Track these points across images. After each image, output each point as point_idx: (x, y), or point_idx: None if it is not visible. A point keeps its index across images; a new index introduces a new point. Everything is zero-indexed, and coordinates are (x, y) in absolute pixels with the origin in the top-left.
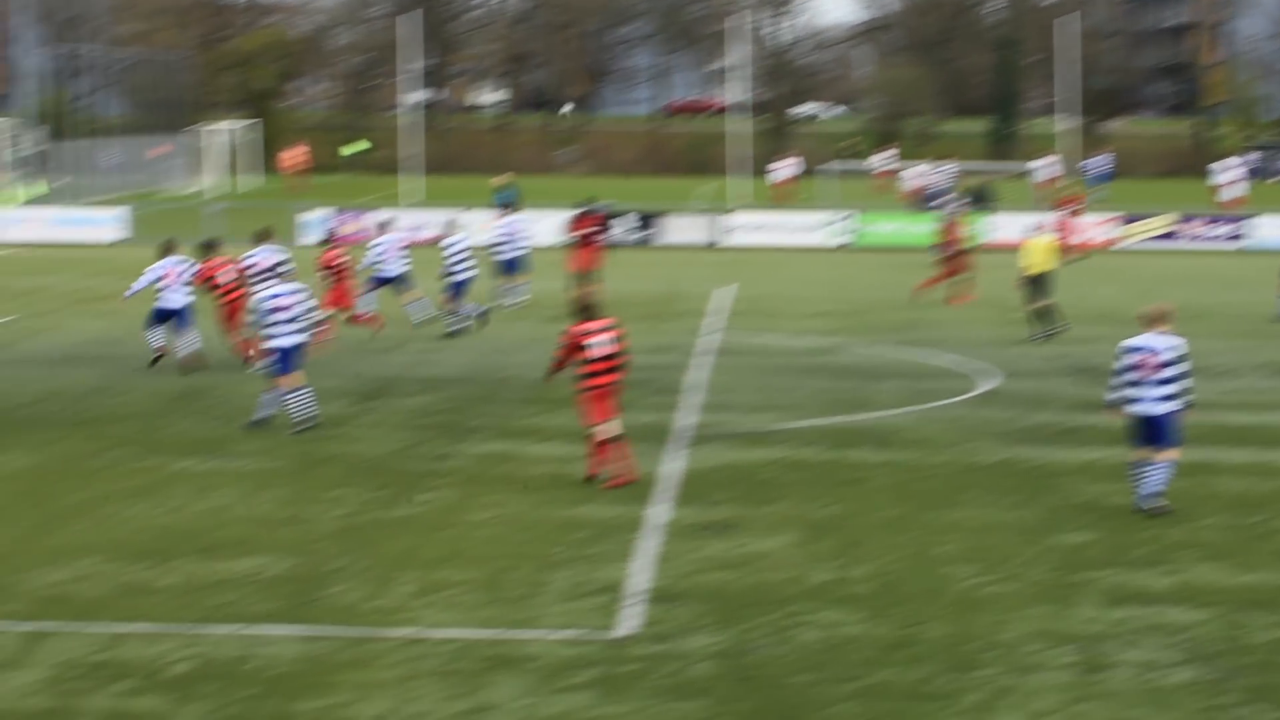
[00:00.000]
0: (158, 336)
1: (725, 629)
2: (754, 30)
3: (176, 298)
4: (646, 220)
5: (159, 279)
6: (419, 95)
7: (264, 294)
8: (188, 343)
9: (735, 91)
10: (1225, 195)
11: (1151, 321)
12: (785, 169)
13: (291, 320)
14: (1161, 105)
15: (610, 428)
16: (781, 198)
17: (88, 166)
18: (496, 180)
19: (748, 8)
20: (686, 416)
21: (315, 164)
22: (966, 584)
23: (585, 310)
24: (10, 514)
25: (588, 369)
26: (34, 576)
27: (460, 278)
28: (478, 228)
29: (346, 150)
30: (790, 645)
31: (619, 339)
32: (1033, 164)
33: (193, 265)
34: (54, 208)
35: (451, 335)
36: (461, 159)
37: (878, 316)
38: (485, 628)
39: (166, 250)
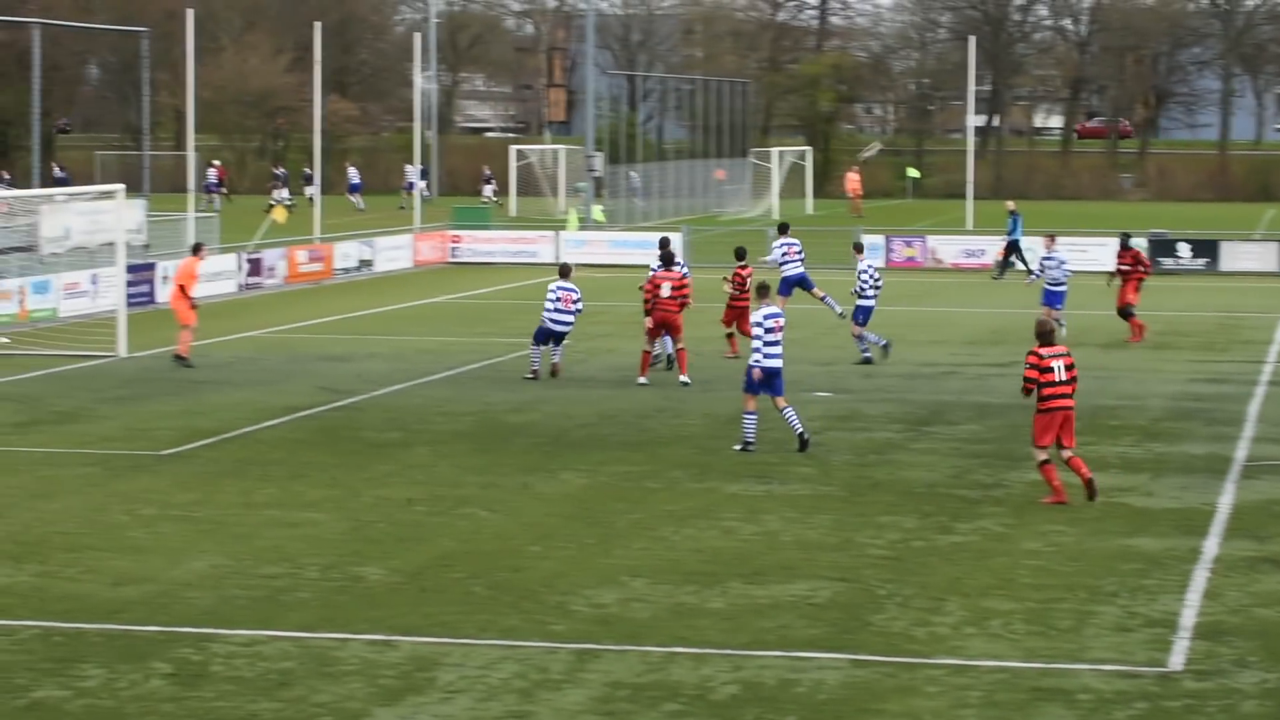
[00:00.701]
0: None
1: (1277, 666)
2: None
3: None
4: (1206, 247)
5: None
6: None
7: (763, 312)
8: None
9: None
10: None
11: None
12: None
13: (778, 343)
14: None
15: (1045, 454)
16: None
17: (647, 191)
18: (1008, 205)
19: None
20: (1242, 448)
21: (870, 188)
22: None
23: (1041, 337)
24: (565, 534)
25: (1046, 392)
26: (586, 596)
27: (864, 303)
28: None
29: (911, 172)
30: None
31: (1070, 366)
32: None
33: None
34: (611, 232)
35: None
36: (1019, 185)
37: None
38: (1032, 659)
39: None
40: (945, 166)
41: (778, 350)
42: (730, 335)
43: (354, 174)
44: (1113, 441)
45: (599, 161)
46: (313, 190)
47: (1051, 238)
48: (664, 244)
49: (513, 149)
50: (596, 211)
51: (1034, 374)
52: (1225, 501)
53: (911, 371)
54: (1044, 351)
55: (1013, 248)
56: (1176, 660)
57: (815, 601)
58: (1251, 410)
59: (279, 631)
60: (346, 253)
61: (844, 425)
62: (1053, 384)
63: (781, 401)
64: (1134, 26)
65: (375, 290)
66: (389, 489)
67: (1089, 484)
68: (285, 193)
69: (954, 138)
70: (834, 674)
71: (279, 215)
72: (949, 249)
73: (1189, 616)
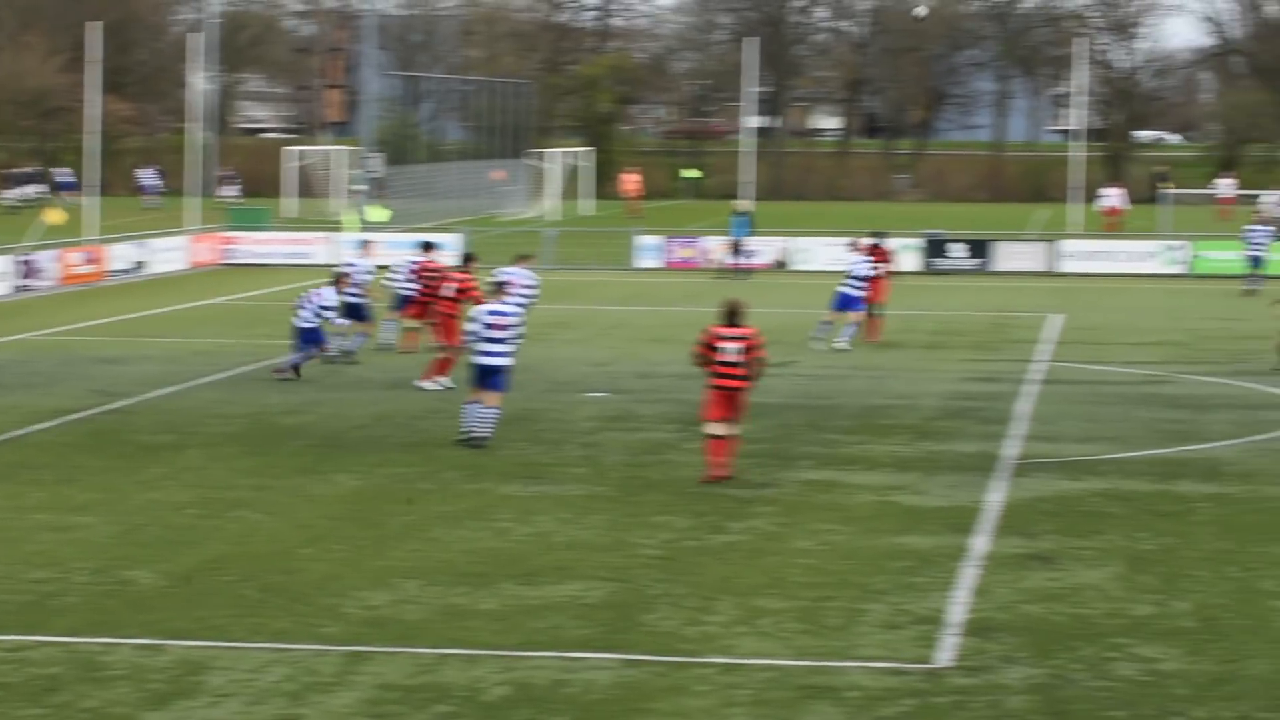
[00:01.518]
0: None
1: (1043, 662)
2: (1096, 55)
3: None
4: (980, 247)
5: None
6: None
7: (485, 309)
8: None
9: (1075, 117)
10: None
11: None
12: (1113, 197)
13: (502, 341)
14: None
15: (718, 428)
16: (1110, 226)
17: (426, 191)
18: (738, 205)
19: (1090, 32)
20: (1012, 446)
21: (650, 190)
22: None
23: (728, 315)
24: (337, 536)
25: (716, 369)
26: (358, 598)
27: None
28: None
29: (685, 172)
30: (1108, 680)
31: (751, 349)
32: None
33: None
34: (389, 232)
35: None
36: (797, 185)
37: (1212, 346)
38: (802, 657)
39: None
40: (724, 167)
41: (498, 349)
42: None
43: (149, 174)
44: (885, 440)
45: (378, 162)
46: (74, 195)
47: (855, 243)
48: (427, 246)
49: (287, 150)
50: (375, 212)
51: (702, 349)
52: (995, 499)
53: (685, 371)
54: (721, 330)
55: (736, 246)
56: (945, 657)
57: (587, 602)
58: (1021, 409)
59: (46, 637)
60: (121, 254)
61: (618, 425)
62: (723, 363)
63: (490, 399)
64: (912, 28)
65: (150, 292)
66: (161, 492)
67: (715, 475)
68: (55, 194)
69: (733, 139)
70: (605, 674)
71: (53, 217)
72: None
73: (958, 613)
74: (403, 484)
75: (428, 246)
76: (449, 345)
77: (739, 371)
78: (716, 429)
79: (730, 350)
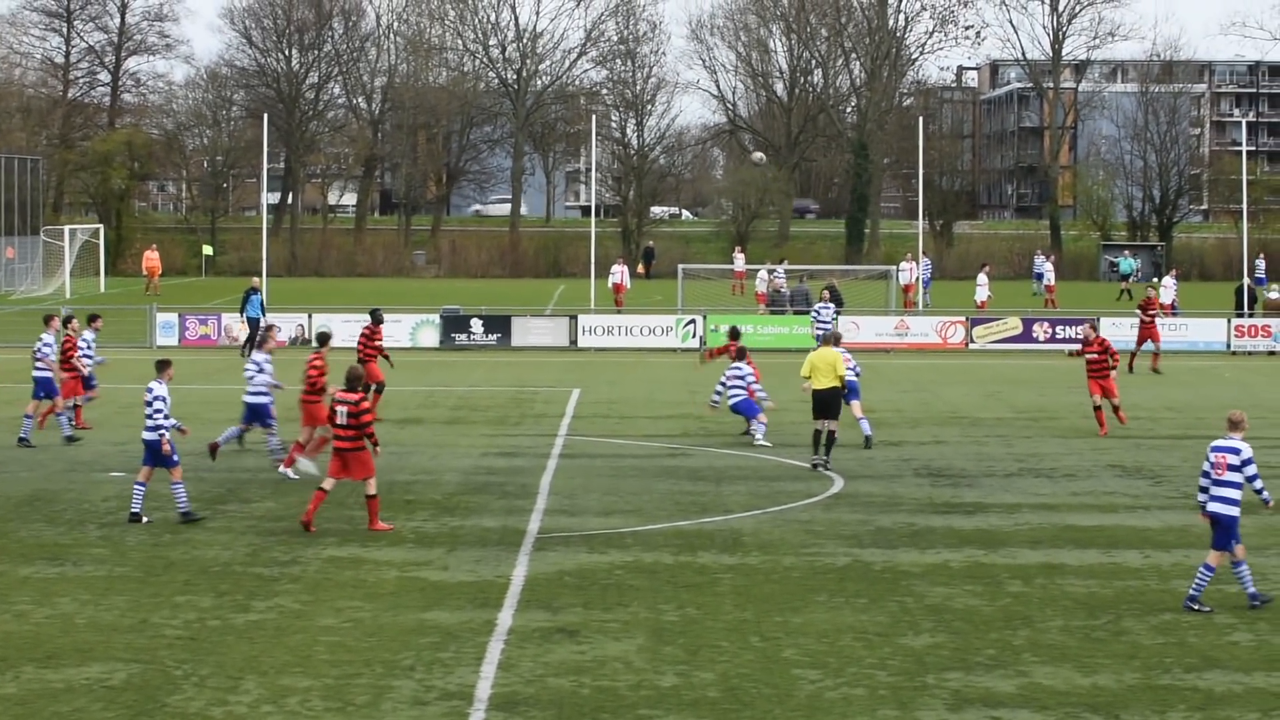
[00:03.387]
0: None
1: None
2: (610, 133)
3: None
4: (498, 323)
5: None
6: (273, 196)
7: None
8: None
9: (590, 193)
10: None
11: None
12: (618, 273)
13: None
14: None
15: (329, 483)
16: (619, 301)
17: None
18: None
19: (601, 109)
20: (535, 520)
21: (166, 267)
22: (813, 687)
23: (348, 381)
24: None
25: (335, 430)
26: None
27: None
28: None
29: (206, 249)
30: None
31: (356, 414)
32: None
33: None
34: None
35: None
36: (313, 262)
37: (731, 419)
38: None
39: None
40: (240, 244)
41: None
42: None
43: None
44: (408, 516)
45: None
46: None
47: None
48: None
49: None
50: None
51: (329, 411)
52: (519, 573)
53: (204, 450)
54: (337, 394)
55: (254, 324)
56: None
57: (110, 684)
58: (543, 483)
59: None
60: None
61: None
62: (336, 425)
63: (175, 475)
64: (426, 105)
65: None
66: None
67: (371, 520)
68: None
69: (249, 215)
70: None
71: None
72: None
73: (485, 688)
74: None
75: None
76: None
77: (346, 432)
78: (328, 484)
79: (341, 414)
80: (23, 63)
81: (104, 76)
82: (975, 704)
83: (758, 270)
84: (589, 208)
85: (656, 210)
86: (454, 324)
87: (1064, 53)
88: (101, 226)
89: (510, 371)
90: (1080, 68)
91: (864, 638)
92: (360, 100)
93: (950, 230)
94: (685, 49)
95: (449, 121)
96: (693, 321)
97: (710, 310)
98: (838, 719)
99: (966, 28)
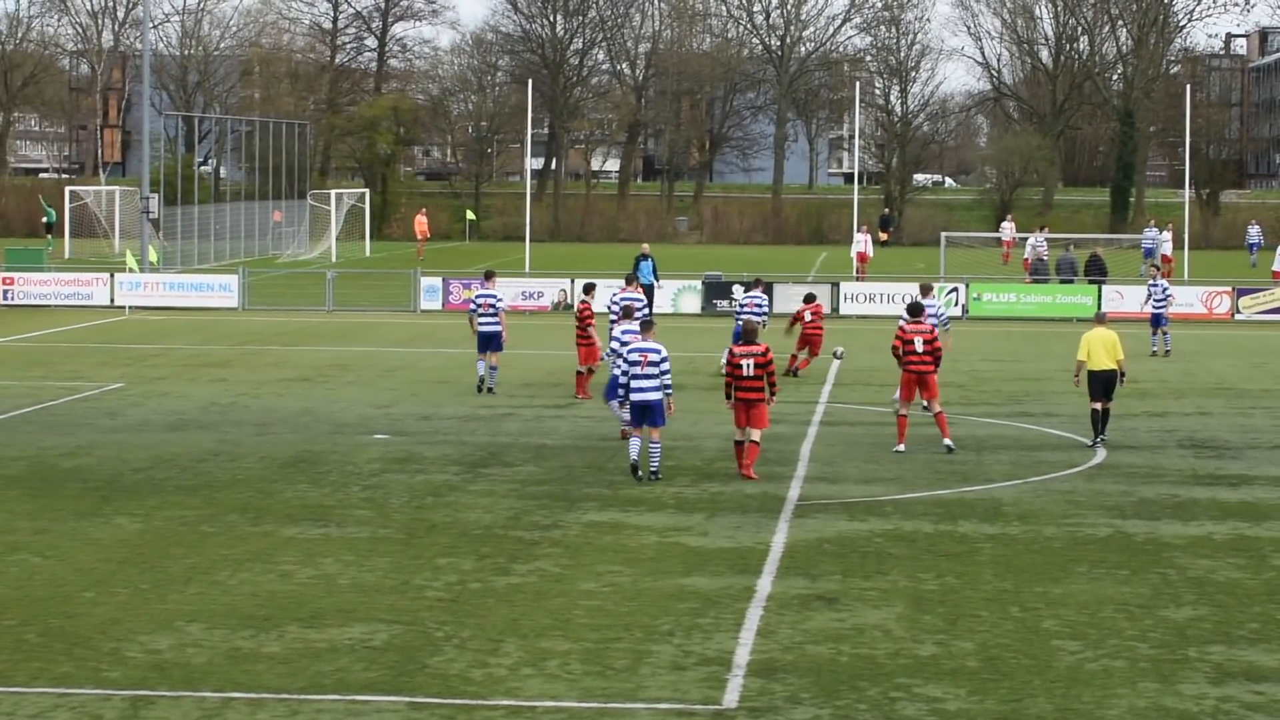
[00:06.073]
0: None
1: (828, 703)
2: (873, 99)
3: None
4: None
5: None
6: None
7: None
8: None
9: (853, 160)
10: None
11: None
12: (861, 241)
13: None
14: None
15: (743, 433)
16: (862, 271)
17: (204, 232)
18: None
19: (866, 76)
20: (795, 487)
21: (432, 231)
22: (1072, 659)
23: (746, 335)
24: (118, 580)
25: (740, 382)
26: (141, 642)
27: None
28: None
29: (470, 214)
30: None
31: (763, 364)
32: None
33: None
34: (168, 274)
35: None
36: (575, 227)
37: (992, 388)
38: (588, 699)
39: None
40: (504, 209)
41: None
42: None
43: None
44: (668, 481)
45: (154, 203)
46: None
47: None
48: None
49: (68, 190)
50: (151, 254)
51: (729, 369)
52: (779, 540)
53: (469, 414)
54: (737, 349)
55: (649, 291)
56: (731, 698)
57: (372, 644)
58: (804, 450)
59: None
60: None
61: (402, 468)
62: (740, 378)
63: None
64: (689, 72)
65: None
66: None
67: (748, 467)
68: None
69: (513, 180)
70: (391, 717)
71: None
72: (507, 291)
73: (743, 654)
74: (184, 527)
75: None
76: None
77: (755, 384)
78: (738, 435)
79: (748, 367)
80: (291, 29)
81: (371, 42)
82: (1238, 678)
83: (1026, 239)
84: (851, 175)
85: (919, 178)
86: (716, 290)
87: None
88: (367, 191)
89: (770, 338)
90: None
91: (1125, 609)
92: (624, 66)
93: (1217, 199)
94: (950, 15)
95: (712, 88)
96: (955, 290)
97: (973, 279)
98: (1098, 690)
99: None
